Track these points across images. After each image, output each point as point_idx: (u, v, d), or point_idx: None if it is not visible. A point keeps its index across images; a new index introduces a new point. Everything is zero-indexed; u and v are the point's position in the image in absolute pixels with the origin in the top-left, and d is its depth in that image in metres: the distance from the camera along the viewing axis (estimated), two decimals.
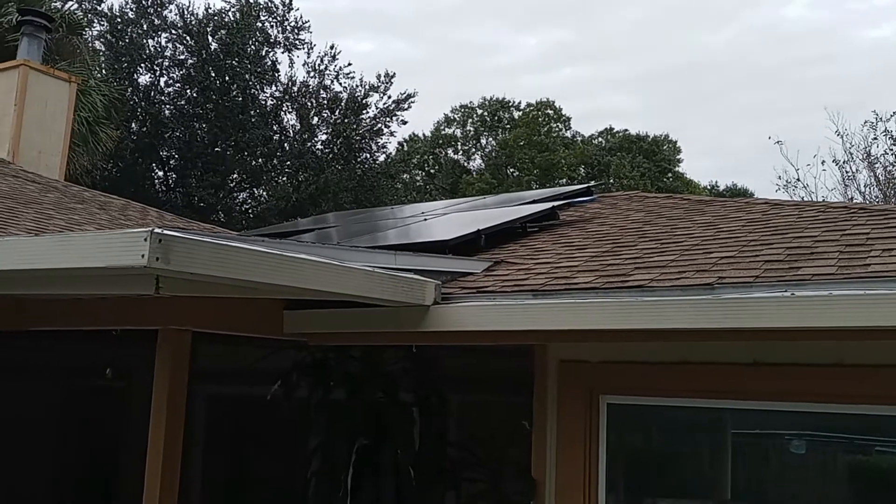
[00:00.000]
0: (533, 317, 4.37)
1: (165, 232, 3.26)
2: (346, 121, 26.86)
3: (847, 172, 22.22)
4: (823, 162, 27.92)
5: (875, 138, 22.25)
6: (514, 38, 59.25)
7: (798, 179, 23.00)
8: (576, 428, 4.91)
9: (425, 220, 7.77)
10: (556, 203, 7.29)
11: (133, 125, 25.87)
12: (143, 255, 3.19)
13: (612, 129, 38.43)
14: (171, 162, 26.84)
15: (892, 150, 21.93)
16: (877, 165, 22.11)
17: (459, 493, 5.52)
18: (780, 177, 31.95)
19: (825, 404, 4.45)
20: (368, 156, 27.82)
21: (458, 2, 58.57)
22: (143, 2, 25.41)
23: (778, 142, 28.54)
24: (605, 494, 4.92)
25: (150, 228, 3.24)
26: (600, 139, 38.24)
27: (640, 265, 4.82)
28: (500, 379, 5.53)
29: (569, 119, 38.94)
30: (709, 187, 36.61)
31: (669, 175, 35.81)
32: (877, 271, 3.92)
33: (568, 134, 38.80)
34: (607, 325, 4.19)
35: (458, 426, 5.88)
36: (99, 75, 23.10)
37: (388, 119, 27.64)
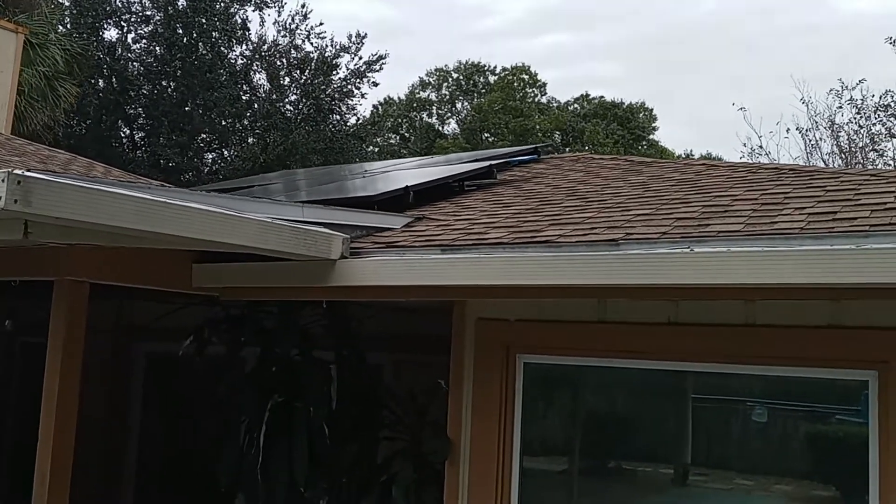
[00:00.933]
0: (437, 271, 4.26)
1: (27, 174, 3.11)
2: (315, 81, 26.44)
3: (810, 140, 22.20)
4: (788, 130, 27.73)
5: (840, 107, 22.22)
6: (497, 2, 58.46)
7: (761, 147, 22.95)
8: (492, 387, 4.83)
9: (364, 176, 7.63)
10: (493, 162, 7.15)
11: (99, 82, 25.36)
12: (0, 197, 3.05)
13: (587, 95, 38.16)
14: (138, 120, 26.36)
15: (855, 119, 21.90)
16: (841, 134, 22.09)
17: (377, 451, 5.43)
18: (744, 144, 31.95)
19: (737, 365, 4.38)
20: (339, 118, 27.43)
21: None
22: None
23: (741, 108, 28.37)
24: (520, 454, 4.85)
25: (10, 170, 3.09)
26: (576, 105, 37.96)
27: (556, 222, 4.70)
28: (419, 337, 5.43)
29: (544, 84, 38.61)
30: (683, 156, 36.47)
31: (644, 143, 35.63)
32: (782, 229, 3.82)
33: (543, 99, 38.48)
34: (508, 280, 4.09)
35: (377, 384, 5.77)
36: (63, 30, 22.63)
37: (358, 81, 27.24)
